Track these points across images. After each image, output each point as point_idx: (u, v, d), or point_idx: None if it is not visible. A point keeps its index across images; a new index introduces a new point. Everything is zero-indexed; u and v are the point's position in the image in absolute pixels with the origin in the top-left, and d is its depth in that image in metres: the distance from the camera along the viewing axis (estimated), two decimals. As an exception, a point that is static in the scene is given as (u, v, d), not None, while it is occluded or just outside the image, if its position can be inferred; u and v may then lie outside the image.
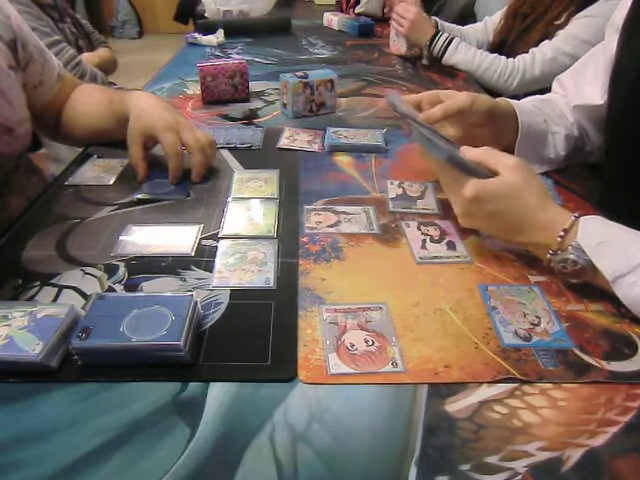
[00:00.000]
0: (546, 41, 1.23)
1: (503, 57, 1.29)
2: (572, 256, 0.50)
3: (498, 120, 0.72)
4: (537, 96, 0.82)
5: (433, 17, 1.45)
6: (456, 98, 0.69)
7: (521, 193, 0.53)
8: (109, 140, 0.82)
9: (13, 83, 0.73)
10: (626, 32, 0.67)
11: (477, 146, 0.58)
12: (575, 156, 0.78)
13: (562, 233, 0.51)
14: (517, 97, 0.79)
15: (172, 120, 0.72)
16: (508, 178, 0.53)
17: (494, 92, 1.22)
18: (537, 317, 0.50)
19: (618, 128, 0.70)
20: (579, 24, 1.18)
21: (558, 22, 1.22)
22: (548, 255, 0.52)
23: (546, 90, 0.86)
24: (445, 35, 1.33)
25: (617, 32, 0.69)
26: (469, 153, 0.57)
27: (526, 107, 0.75)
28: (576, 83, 0.79)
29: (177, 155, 0.71)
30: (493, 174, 0.55)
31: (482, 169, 0.55)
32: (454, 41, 1.32)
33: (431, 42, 1.33)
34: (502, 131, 0.73)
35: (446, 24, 1.47)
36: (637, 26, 0.66)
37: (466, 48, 1.31)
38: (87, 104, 0.84)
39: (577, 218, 0.51)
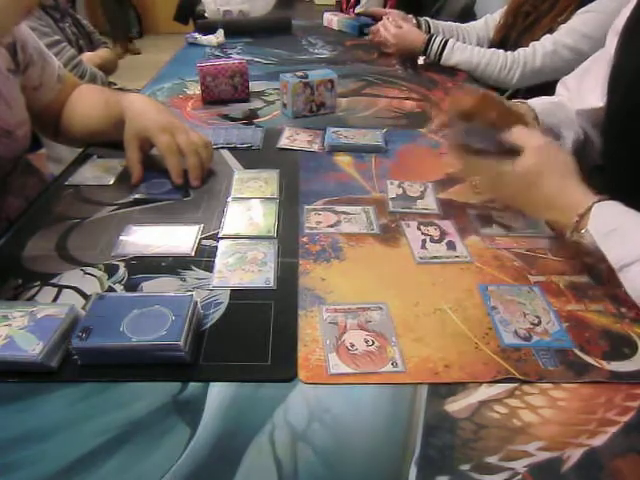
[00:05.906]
0: (547, 35, 1.23)
1: (501, 51, 1.26)
2: (584, 240, 0.52)
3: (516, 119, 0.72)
4: (549, 98, 0.82)
5: (424, 18, 1.44)
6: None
7: (537, 177, 0.55)
8: (107, 141, 0.81)
9: (12, 86, 0.73)
10: (628, 32, 0.67)
11: None
12: (577, 158, 0.78)
13: (577, 218, 0.53)
14: (518, 91, 0.79)
15: (165, 122, 0.72)
16: (526, 162, 0.56)
17: (496, 88, 1.21)
18: (537, 317, 0.50)
19: (616, 127, 0.70)
20: (580, 18, 1.18)
21: (561, 19, 1.22)
22: (567, 234, 0.54)
23: (547, 84, 0.86)
24: (439, 38, 1.31)
25: (617, 35, 0.69)
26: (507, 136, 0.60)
27: (544, 108, 0.76)
28: (579, 87, 0.79)
29: (174, 154, 0.71)
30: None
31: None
32: (449, 43, 1.29)
33: (425, 48, 1.32)
34: None
35: (441, 22, 1.46)
36: (639, 26, 0.66)
37: (462, 48, 1.29)
38: (85, 105, 0.84)
39: (594, 203, 0.52)
